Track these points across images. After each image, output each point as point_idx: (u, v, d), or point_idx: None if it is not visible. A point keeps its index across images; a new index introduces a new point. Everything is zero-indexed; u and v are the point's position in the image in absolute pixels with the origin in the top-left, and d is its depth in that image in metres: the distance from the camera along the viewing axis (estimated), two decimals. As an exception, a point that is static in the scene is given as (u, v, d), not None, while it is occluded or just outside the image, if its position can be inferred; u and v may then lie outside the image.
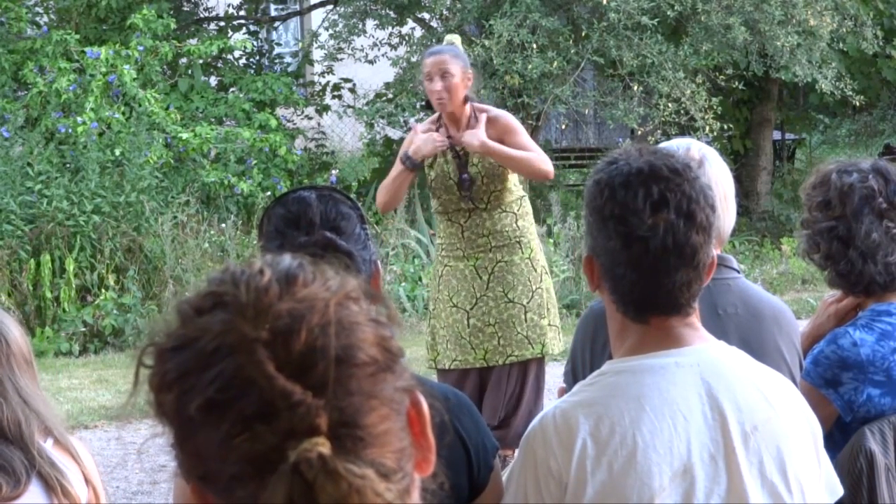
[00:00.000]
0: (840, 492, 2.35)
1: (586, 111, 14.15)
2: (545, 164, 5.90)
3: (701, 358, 2.24)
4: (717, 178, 2.83)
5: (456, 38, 6.21)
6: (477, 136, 5.73)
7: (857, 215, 3.14)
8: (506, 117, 6.01)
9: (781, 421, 2.23)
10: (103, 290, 10.23)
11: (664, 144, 2.92)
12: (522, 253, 5.98)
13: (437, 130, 5.91)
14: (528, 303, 5.95)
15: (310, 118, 14.75)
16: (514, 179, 6.03)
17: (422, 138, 5.85)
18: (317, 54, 15.17)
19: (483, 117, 5.84)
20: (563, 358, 8.65)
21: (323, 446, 1.11)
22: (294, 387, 1.12)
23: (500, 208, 5.97)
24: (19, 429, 2.96)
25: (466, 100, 5.87)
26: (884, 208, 3.15)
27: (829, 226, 3.18)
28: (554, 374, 8.49)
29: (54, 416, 3.05)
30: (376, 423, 1.15)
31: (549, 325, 6.05)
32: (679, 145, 2.88)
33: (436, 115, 6.00)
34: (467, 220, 5.95)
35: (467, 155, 5.88)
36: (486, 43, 12.06)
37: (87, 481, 3.04)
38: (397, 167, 5.93)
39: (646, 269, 2.22)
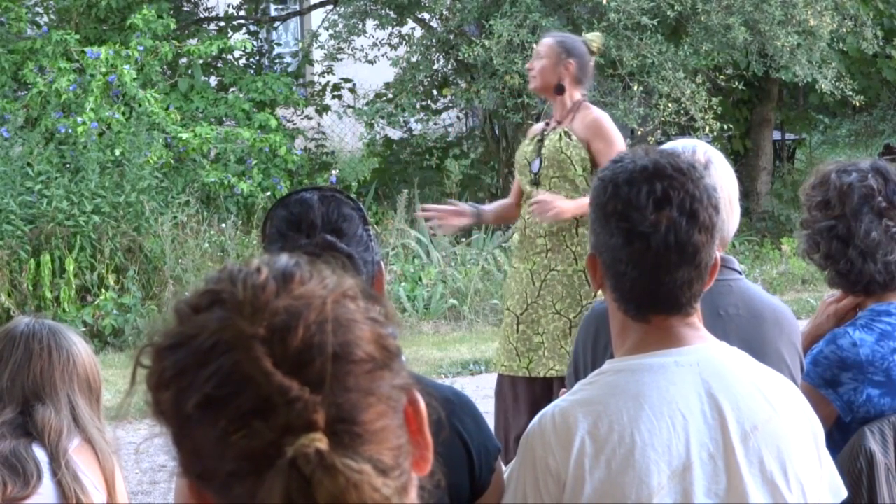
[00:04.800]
0: (844, 494, 2.34)
1: (586, 111, 14.10)
2: None
3: (701, 357, 2.24)
4: (722, 181, 2.82)
5: (595, 37, 6.07)
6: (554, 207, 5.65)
7: (856, 214, 3.14)
8: (602, 120, 5.82)
9: (782, 421, 2.23)
10: (103, 290, 10.22)
11: (669, 145, 2.91)
12: (576, 265, 5.73)
13: (546, 123, 5.90)
14: (574, 317, 5.70)
15: (310, 118, 14.74)
16: (578, 181, 5.77)
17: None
18: (317, 54, 15.16)
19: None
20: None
21: (320, 442, 1.11)
22: (291, 383, 1.12)
23: None
24: (58, 437, 2.99)
25: (562, 89, 5.74)
26: (883, 207, 3.15)
27: (828, 225, 3.17)
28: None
29: (103, 441, 3.09)
30: (374, 420, 1.15)
31: None
32: (685, 147, 2.87)
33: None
34: (530, 215, 5.75)
35: (544, 139, 5.79)
36: (486, 43, 12.06)
37: (107, 483, 3.07)
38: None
39: (647, 266, 2.21)
